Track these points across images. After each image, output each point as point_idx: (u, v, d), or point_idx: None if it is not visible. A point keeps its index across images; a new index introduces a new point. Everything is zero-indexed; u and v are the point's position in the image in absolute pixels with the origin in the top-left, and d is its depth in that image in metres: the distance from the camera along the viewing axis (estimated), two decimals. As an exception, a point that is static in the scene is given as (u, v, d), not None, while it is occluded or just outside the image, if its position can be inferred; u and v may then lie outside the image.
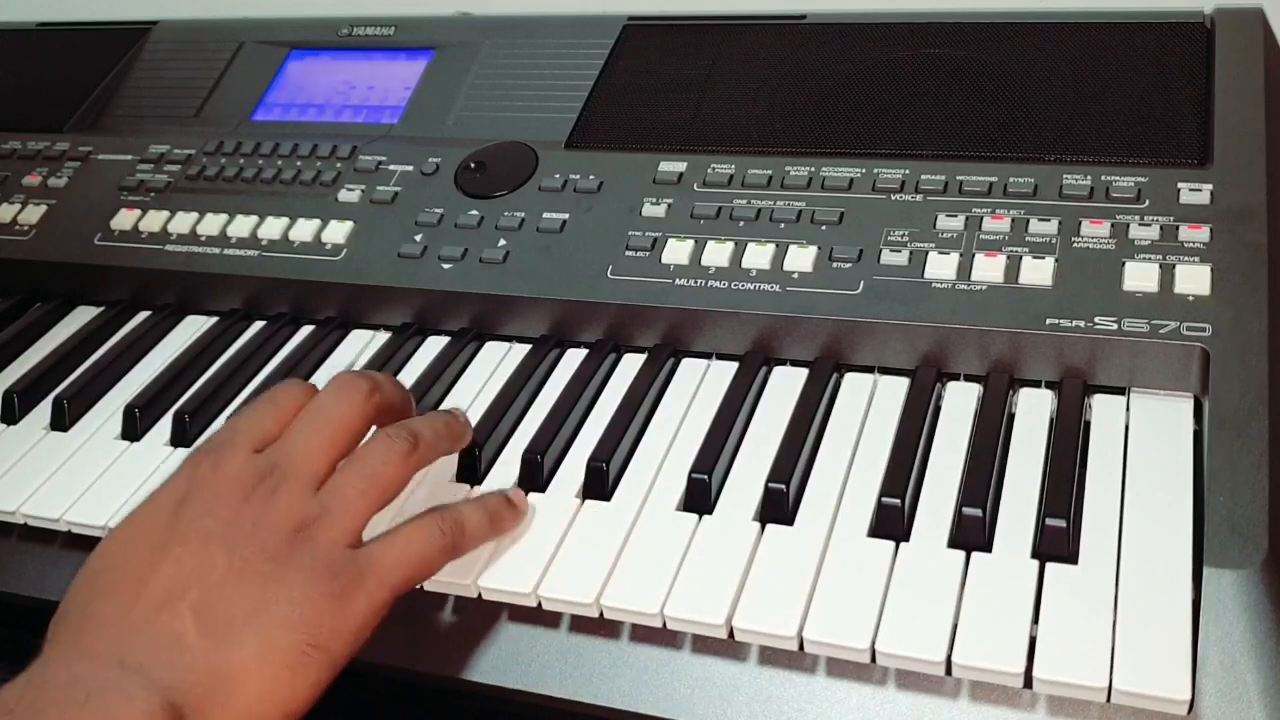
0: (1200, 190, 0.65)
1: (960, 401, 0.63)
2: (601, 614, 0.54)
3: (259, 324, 0.78)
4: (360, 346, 0.75)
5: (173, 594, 0.48)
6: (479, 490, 0.61)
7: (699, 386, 0.67)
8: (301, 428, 0.54)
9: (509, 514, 0.57)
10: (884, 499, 0.56)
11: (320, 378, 0.73)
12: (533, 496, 0.60)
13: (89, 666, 0.46)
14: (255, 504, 0.51)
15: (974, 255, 0.65)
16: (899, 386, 0.64)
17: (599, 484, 0.60)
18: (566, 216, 0.74)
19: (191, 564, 0.49)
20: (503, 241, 0.74)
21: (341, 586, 0.49)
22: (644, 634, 0.55)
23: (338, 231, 0.77)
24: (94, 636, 0.47)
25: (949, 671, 0.50)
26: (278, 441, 0.54)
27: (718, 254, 0.69)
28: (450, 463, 0.63)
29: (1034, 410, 0.61)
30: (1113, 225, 0.65)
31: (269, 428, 0.55)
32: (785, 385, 0.66)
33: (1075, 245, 0.64)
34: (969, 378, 0.64)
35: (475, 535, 0.55)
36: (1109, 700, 0.47)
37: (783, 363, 0.67)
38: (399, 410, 0.58)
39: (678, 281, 0.69)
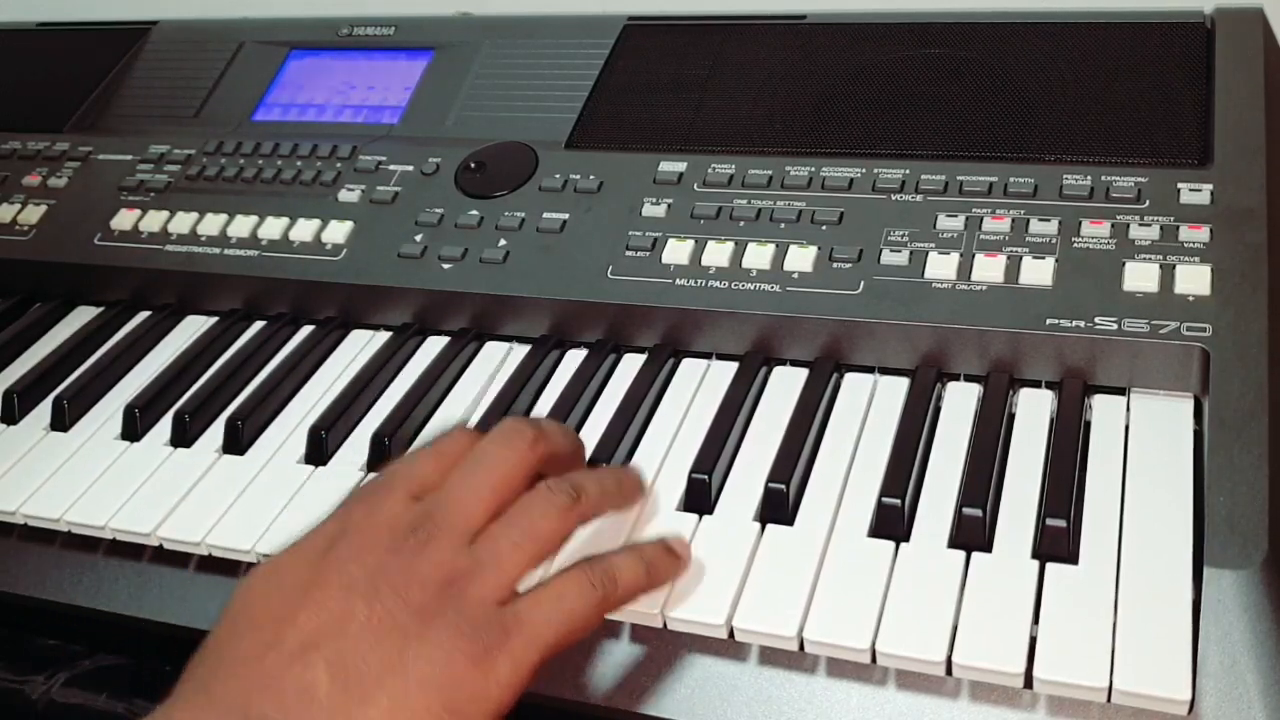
0: (1200, 190, 0.65)
1: (960, 401, 0.63)
2: (601, 614, 0.54)
3: (259, 324, 0.78)
4: (360, 346, 0.75)
5: (309, 644, 0.45)
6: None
7: (699, 386, 0.67)
8: (461, 477, 0.51)
9: (667, 564, 0.53)
10: (884, 499, 0.56)
11: (320, 377, 0.73)
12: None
13: (213, 717, 0.44)
14: (405, 554, 0.48)
15: (974, 255, 0.65)
16: (899, 386, 0.64)
17: (599, 484, 0.60)
18: (566, 216, 0.74)
19: (331, 612, 0.46)
20: (503, 241, 0.74)
21: (485, 647, 0.46)
22: (644, 634, 0.55)
23: (338, 231, 0.77)
24: (224, 682, 0.45)
25: (949, 671, 0.50)
26: (437, 490, 0.51)
27: (718, 254, 0.69)
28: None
29: (1034, 410, 0.61)
30: (1113, 225, 0.65)
31: (430, 475, 0.52)
32: (785, 385, 0.66)
33: (1075, 245, 0.64)
34: (969, 378, 0.64)
35: (629, 589, 0.51)
36: (1109, 700, 0.47)
37: (783, 363, 0.67)
38: (566, 460, 0.55)
39: (678, 281, 0.69)
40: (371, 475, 0.63)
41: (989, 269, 0.64)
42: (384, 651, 0.45)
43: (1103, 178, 0.67)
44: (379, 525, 0.49)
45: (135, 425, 0.70)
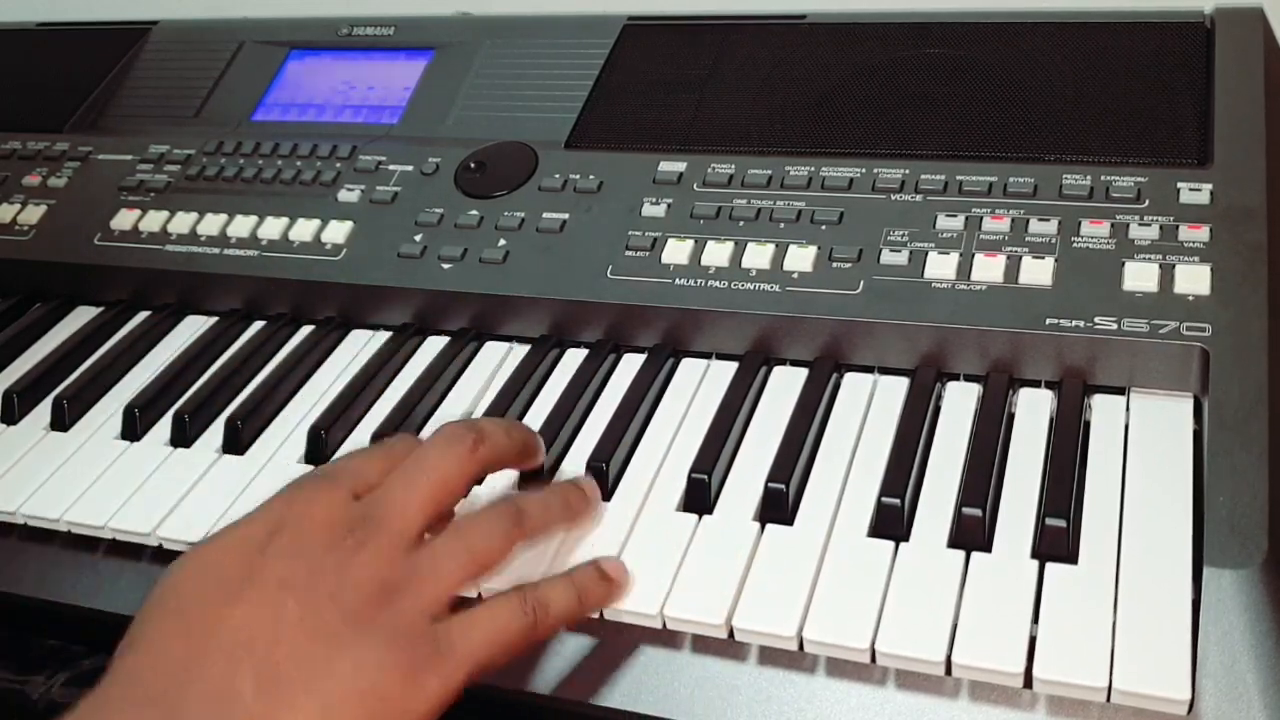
0: (1200, 190, 0.65)
1: (960, 401, 0.63)
2: (601, 615, 0.54)
3: (259, 324, 0.78)
4: (360, 346, 0.75)
5: (239, 645, 0.45)
6: (482, 491, 0.61)
7: (699, 386, 0.67)
8: (401, 478, 0.51)
9: (600, 590, 0.53)
10: (884, 499, 0.56)
11: (320, 377, 0.73)
12: (533, 496, 0.60)
13: (141, 715, 0.44)
14: (343, 553, 0.47)
15: (974, 255, 0.65)
16: (899, 386, 0.64)
17: (599, 484, 0.60)
18: (566, 216, 0.74)
19: (265, 611, 0.46)
20: (503, 241, 0.74)
21: (417, 662, 0.46)
22: (644, 634, 0.55)
23: (338, 231, 0.77)
24: (154, 673, 0.45)
25: (949, 671, 0.50)
26: (376, 490, 0.51)
27: (718, 254, 0.69)
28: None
29: (1034, 410, 0.61)
30: (1113, 225, 0.65)
31: (372, 475, 0.52)
32: (785, 385, 0.66)
33: (1075, 245, 0.64)
34: (969, 378, 0.64)
35: (560, 616, 0.51)
36: (1109, 700, 0.47)
37: (783, 363, 0.67)
38: (511, 459, 0.56)
39: (678, 281, 0.69)
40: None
41: (989, 269, 0.64)
42: (314, 657, 0.45)
43: (1102, 178, 0.67)
44: (317, 521, 0.49)
45: (135, 425, 0.70)
